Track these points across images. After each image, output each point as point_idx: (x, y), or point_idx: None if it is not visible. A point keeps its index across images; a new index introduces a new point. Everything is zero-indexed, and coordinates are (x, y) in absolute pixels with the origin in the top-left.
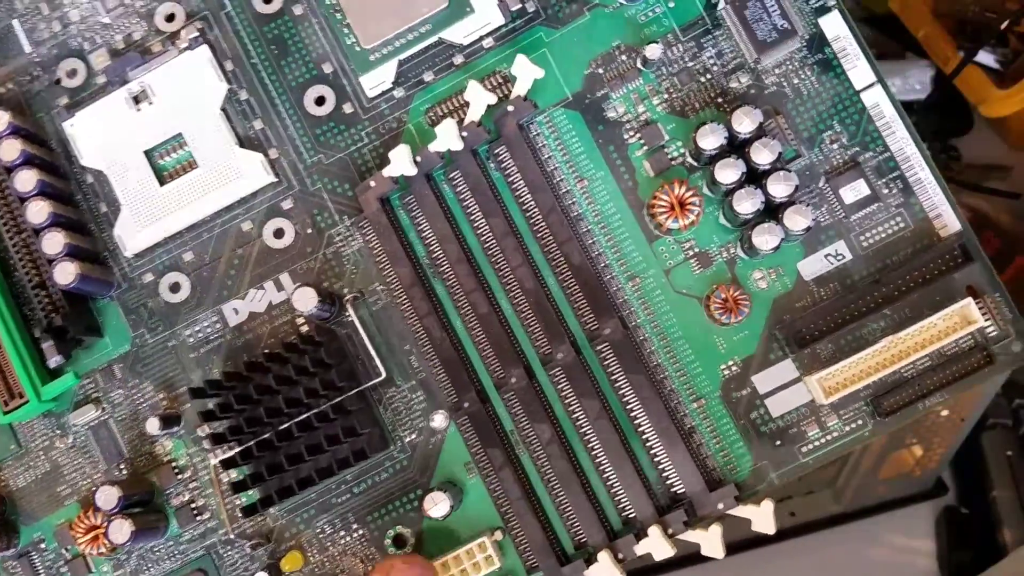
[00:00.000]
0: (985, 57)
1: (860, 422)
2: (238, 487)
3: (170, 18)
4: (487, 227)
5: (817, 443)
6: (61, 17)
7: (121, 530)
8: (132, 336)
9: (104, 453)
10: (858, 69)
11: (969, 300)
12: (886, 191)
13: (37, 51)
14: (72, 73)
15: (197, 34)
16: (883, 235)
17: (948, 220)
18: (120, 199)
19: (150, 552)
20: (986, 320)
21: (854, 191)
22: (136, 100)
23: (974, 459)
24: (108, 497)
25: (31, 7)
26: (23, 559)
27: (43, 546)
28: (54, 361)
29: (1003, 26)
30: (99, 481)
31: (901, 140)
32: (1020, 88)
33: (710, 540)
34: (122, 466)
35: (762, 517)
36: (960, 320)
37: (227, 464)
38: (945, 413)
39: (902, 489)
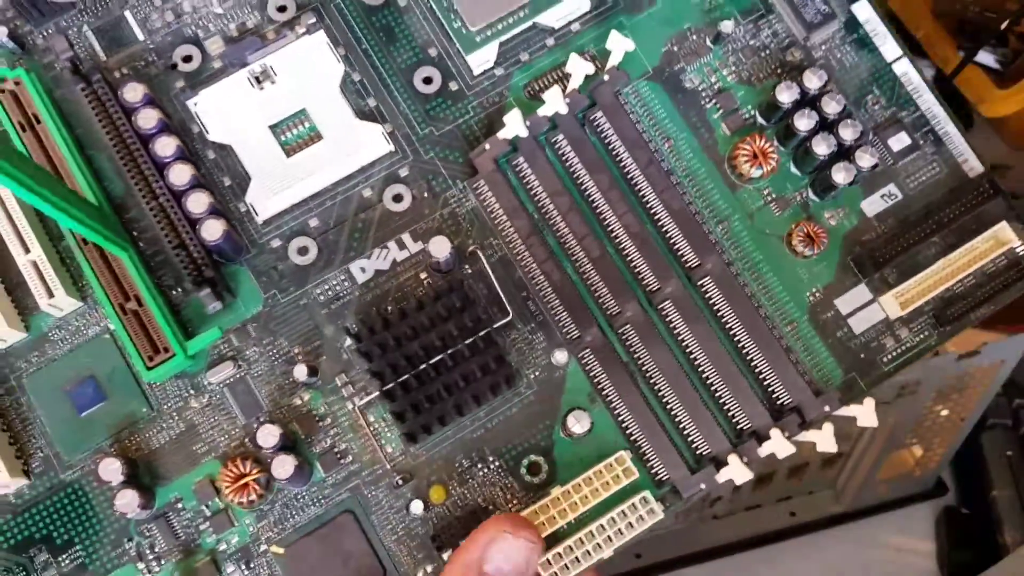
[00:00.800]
0: (985, 57)
1: (926, 333)
2: (397, 416)
3: (282, 9)
4: (592, 182)
5: (894, 353)
6: (174, 8)
7: (284, 465)
8: (264, 297)
9: (242, 408)
10: (887, 46)
11: (1003, 224)
12: (922, 142)
13: (151, 39)
14: (188, 59)
15: (314, 20)
16: (925, 177)
17: (974, 164)
18: (248, 170)
19: (294, 500)
20: (1018, 240)
21: (899, 141)
22: (258, 80)
23: (974, 459)
24: (270, 435)
25: None
26: (159, 520)
27: (180, 505)
28: (212, 308)
29: (1003, 26)
30: (238, 436)
31: (928, 102)
32: (1020, 88)
33: (824, 437)
34: (262, 418)
35: (866, 413)
36: (996, 242)
37: (387, 396)
38: (945, 413)
39: (902, 489)
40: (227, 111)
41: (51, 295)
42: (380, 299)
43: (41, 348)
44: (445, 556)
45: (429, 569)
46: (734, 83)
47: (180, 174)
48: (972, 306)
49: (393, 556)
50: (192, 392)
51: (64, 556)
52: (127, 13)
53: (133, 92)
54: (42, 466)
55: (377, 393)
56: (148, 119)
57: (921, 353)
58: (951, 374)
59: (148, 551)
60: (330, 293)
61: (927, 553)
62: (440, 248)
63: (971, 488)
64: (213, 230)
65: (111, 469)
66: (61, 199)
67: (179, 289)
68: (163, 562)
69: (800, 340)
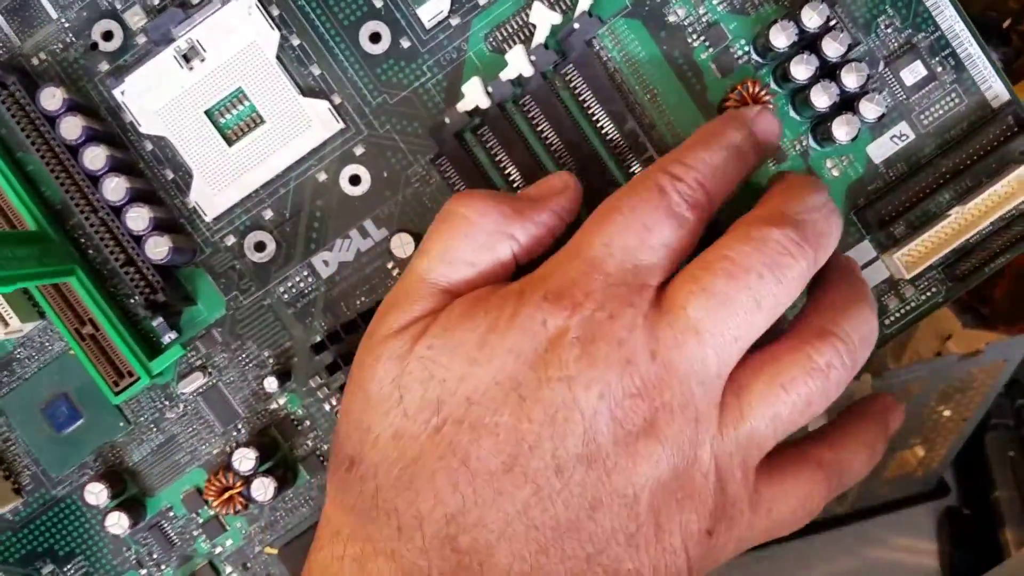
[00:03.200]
0: None
1: (934, 290)
2: None
3: None
4: (567, 150)
5: (898, 314)
6: None
7: (266, 489)
8: (226, 299)
9: (219, 416)
10: None
11: None
12: (940, 69)
13: (65, 16)
14: (108, 36)
15: None
16: (941, 112)
17: (998, 91)
18: (189, 164)
19: (282, 502)
20: None
21: (913, 73)
22: (186, 58)
23: (976, 459)
24: (244, 459)
25: None
26: (154, 530)
27: (172, 514)
28: (168, 337)
29: (1004, 26)
30: (218, 444)
31: (950, 18)
32: (1020, 88)
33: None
34: (239, 425)
35: (860, 389)
36: (1019, 185)
37: None
38: (947, 413)
39: (904, 490)
40: (156, 98)
41: (6, 325)
42: (348, 293)
43: (9, 368)
44: None
45: None
46: (725, 13)
47: (116, 190)
48: (986, 259)
49: None
50: (167, 403)
51: (69, 566)
52: None
53: (51, 99)
54: (32, 483)
55: None
56: (72, 129)
57: (927, 312)
58: (953, 375)
59: (147, 558)
60: (294, 291)
61: (929, 553)
62: (403, 247)
63: (973, 489)
64: (159, 248)
65: (96, 492)
66: None
67: (136, 298)
68: (163, 568)
69: (795, 308)
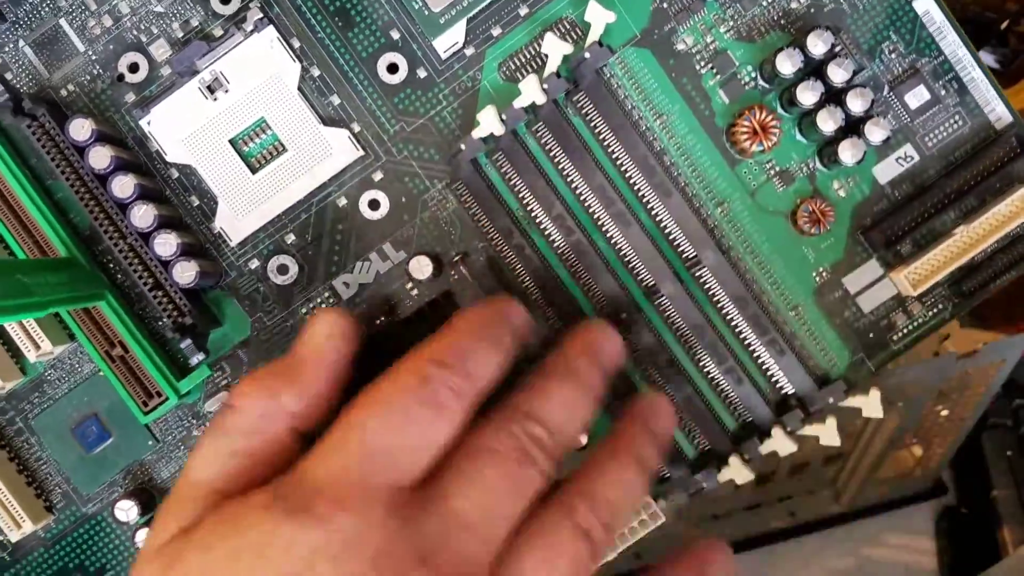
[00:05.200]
0: (985, 57)
1: (941, 306)
2: None
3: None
4: (579, 174)
5: (905, 330)
6: (111, 11)
7: None
8: (251, 321)
9: None
10: None
11: None
12: (943, 92)
13: (92, 48)
14: (134, 67)
15: (261, 15)
16: (945, 134)
17: (1001, 113)
18: (215, 191)
19: None
20: None
21: (916, 97)
22: (210, 89)
23: (974, 459)
24: None
25: (76, 3)
26: None
27: None
28: (196, 359)
29: (1003, 26)
30: None
31: (952, 43)
32: (1020, 88)
33: (827, 431)
34: None
35: (871, 404)
36: (1022, 205)
37: None
38: (945, 413)
39: (902, 489)
40: (182, 128)
41: (38, 348)
42: (367, 314)
43: (41, 389)
44: None
45: None
46: (732, 40)
47: (144, 217)
48: (991, 276)
49: None
50: (194, 421)
51: None
52: (62, 22)
53: (81, 130)
54: (63, 501)
55: None
56: (101, 158)
57: (934, 328)
58: (951, 374)
59: None
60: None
61: (927, 552)
62: (421, 269)
63: (971, 488)
64: (187, 273)
65: (126, 509)
66: (26, 294)
67: (163, 320)
68: None
69: (805, 325)
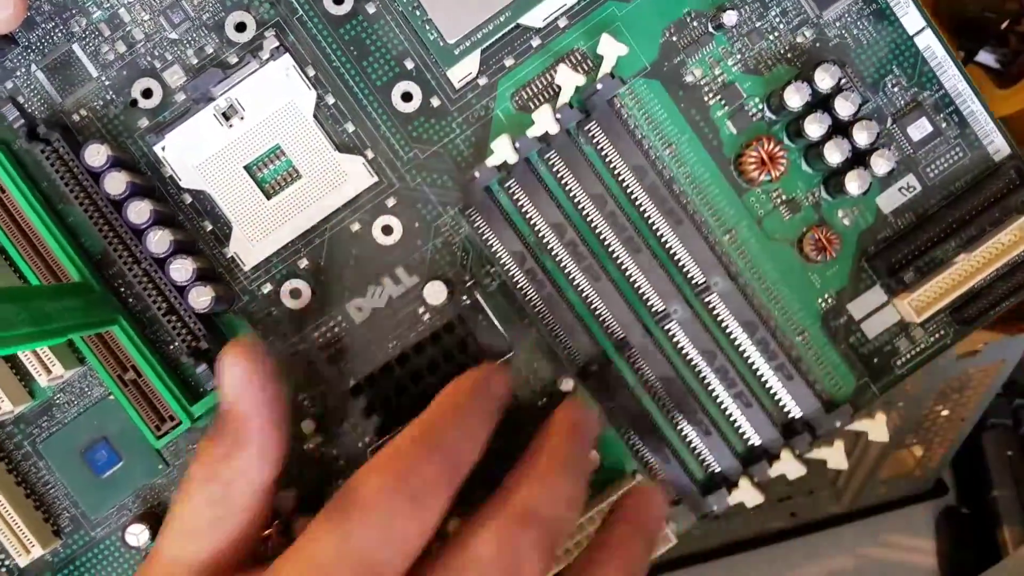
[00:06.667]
0: (985, 57)
1: (942, 332)
2: None
3: (240, 27)
4: (590, 201)
5: (908, 355)
6: (124, 37)
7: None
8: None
9: None
10: (909, 16)
11: None
12: (944, 125)
13: (105, 74)
14: (147, 93)
15: (277, 44)
16: (946, 165)
17: (1000, 145)
18: (228, 216)
19: None
20: None
21: (919, 129)
22: (226, 116)
23: (974, 459)
24: (284, 499)
25: (90, 29)
26: None
27: None
28: (211, 385)
29: (1003, 26)
30: None
31: (953, 77)
32: (1020, 88)
33: (835, 454)
34: None
35: (877, 428)
36: (1021, 234)
37: None
38: (945, 413)
39: (902, 489)
40: (197, 154)
41: (49, 372)
42: (379, 339)
43: (49, 412)
44: None
45: None
46: (739, 73)
47: (159, 242)
48: (992, 304)
49: None
50: None
51: None
52: (75, 47)
53: (96, 155)
54: (71, 525)
55: (382, 440)
56: (116, 184)
57: (936, 353)
58: (951, 374)
59: None
60: (328, 336)
61: (927, 552)
62: (436, 295)
63: (971, 488)
64: (202, 299)
65: (136, 534)
66: (40, 325)
67: (176, 344)
68: None
69: (812, 350)
